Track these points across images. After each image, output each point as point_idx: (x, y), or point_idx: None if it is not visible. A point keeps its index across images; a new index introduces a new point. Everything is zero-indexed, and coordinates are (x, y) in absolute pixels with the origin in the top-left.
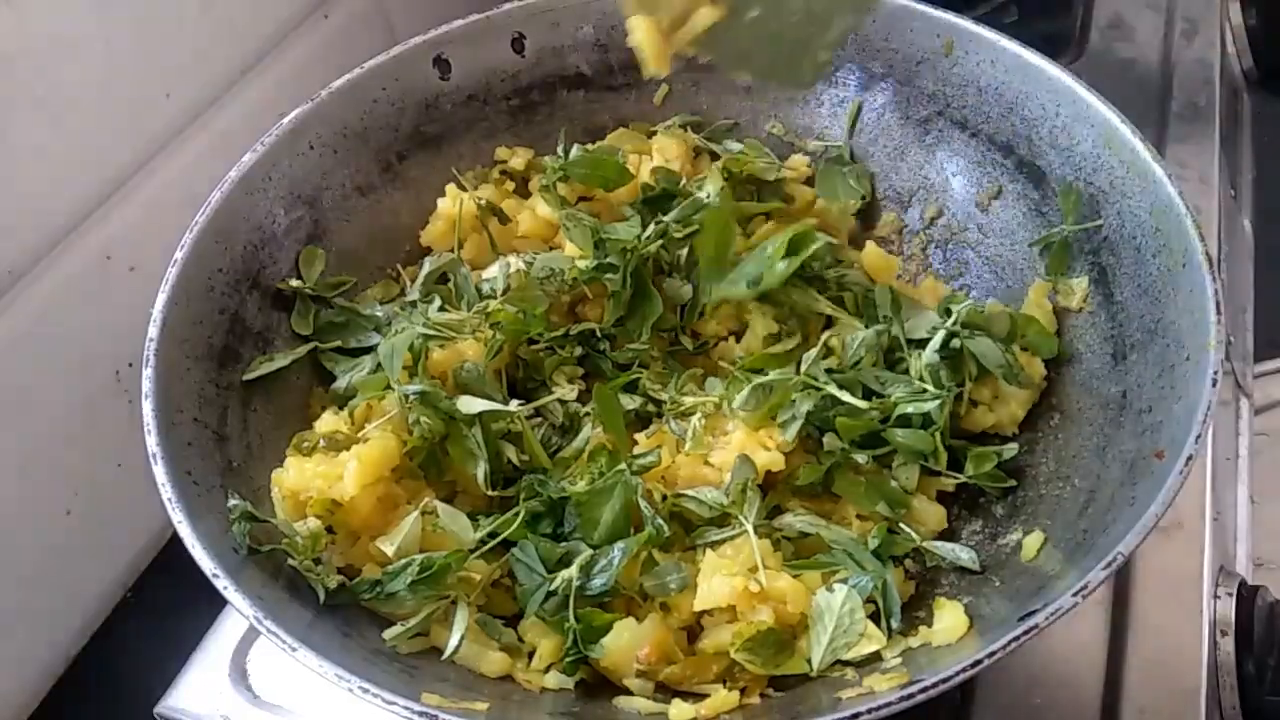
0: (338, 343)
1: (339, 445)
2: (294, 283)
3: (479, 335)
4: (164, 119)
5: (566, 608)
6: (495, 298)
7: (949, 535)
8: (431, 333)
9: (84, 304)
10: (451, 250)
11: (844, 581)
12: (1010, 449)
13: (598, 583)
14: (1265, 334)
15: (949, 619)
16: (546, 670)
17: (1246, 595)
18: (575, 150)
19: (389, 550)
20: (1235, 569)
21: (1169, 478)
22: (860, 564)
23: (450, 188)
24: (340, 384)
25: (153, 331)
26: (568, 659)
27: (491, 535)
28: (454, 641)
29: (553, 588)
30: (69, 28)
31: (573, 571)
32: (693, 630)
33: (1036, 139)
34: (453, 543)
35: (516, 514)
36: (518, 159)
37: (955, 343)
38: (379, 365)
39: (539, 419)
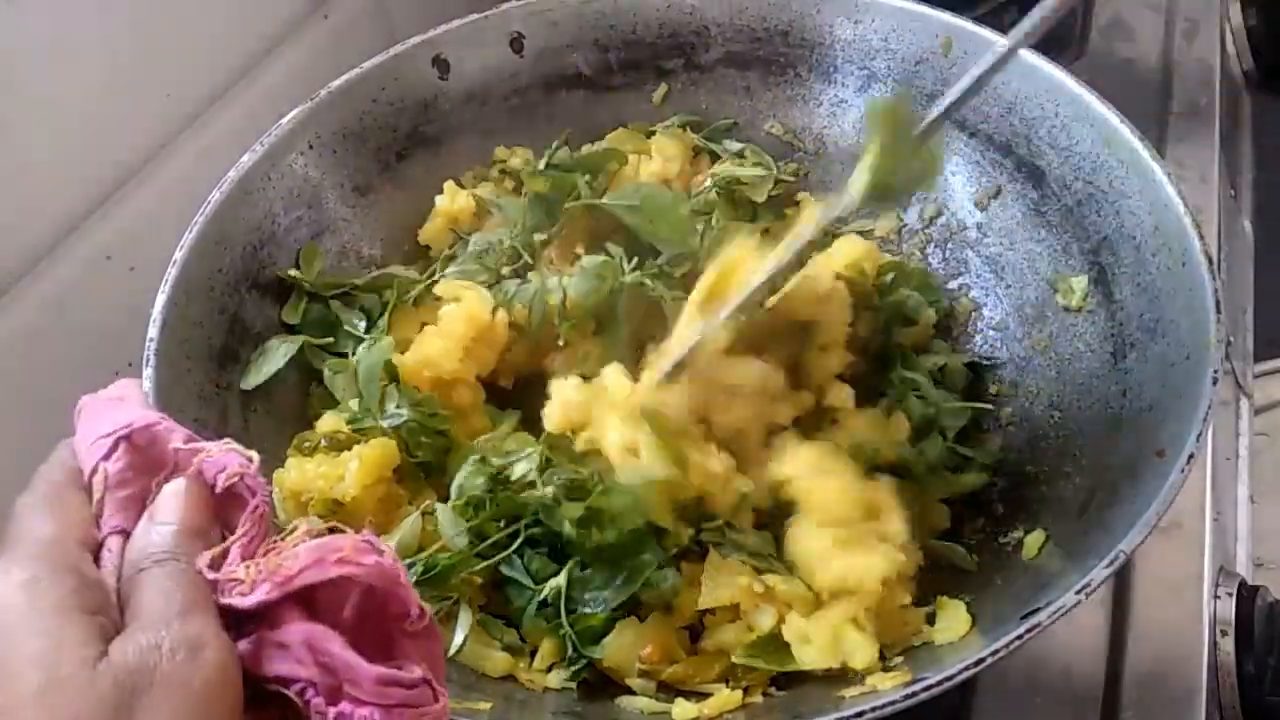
0: (328, 340)
1: (340, 445)
2: (293, 273)
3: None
4: (164, 119)
5: (561, 615)
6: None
7: (950, 534)
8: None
9: (84, 304)
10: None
11: None
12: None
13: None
14: (1265, 334)
15: (951, 618)
16: (549, 670)
17: (1246, 595)
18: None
19: None
20: (1235, 569)
21: (1170, 477)
22: None
23: (448, 185)
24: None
25: (152, 332)
26: (571, 666)
27: (482, 539)
28: (458, 642)
29: (543, 597)
30: (69, 28)
31: (561, 580)
32: (694, 629)
33: (1035, 139)
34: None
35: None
36: (516, 158)
37: None
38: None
39: None
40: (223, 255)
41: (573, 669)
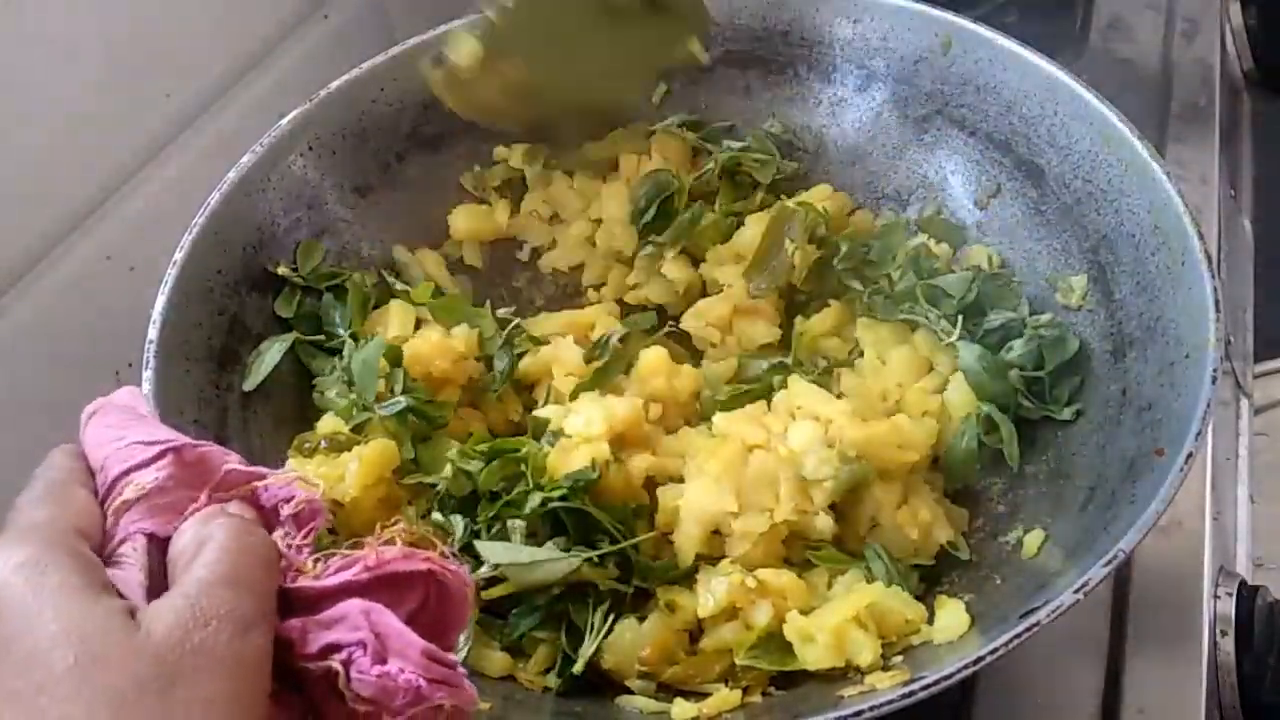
0: (320, 337)
1: (340, 446)
2: (282, 270)
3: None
4: (164, 119)
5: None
6: None
7: None
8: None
9: (84, 304)
10: None
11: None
12: None
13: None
14: (1265, 334)
15: (950, 616)
16: (546, 671)
17: (1246, 595)
18: None
19: None
20: (1235, 569)
21: (1169, 475)
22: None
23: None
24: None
25: (152, 334)
26: (565, 669)
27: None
28: (462, 653)
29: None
30: (69, 28)
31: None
32: (693, 630)
33: (1035, 137)
34: None
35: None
36: (516, 156)
37: None
38: (349, 383)
39: None
40: (222, 256)
41: (569, 670)
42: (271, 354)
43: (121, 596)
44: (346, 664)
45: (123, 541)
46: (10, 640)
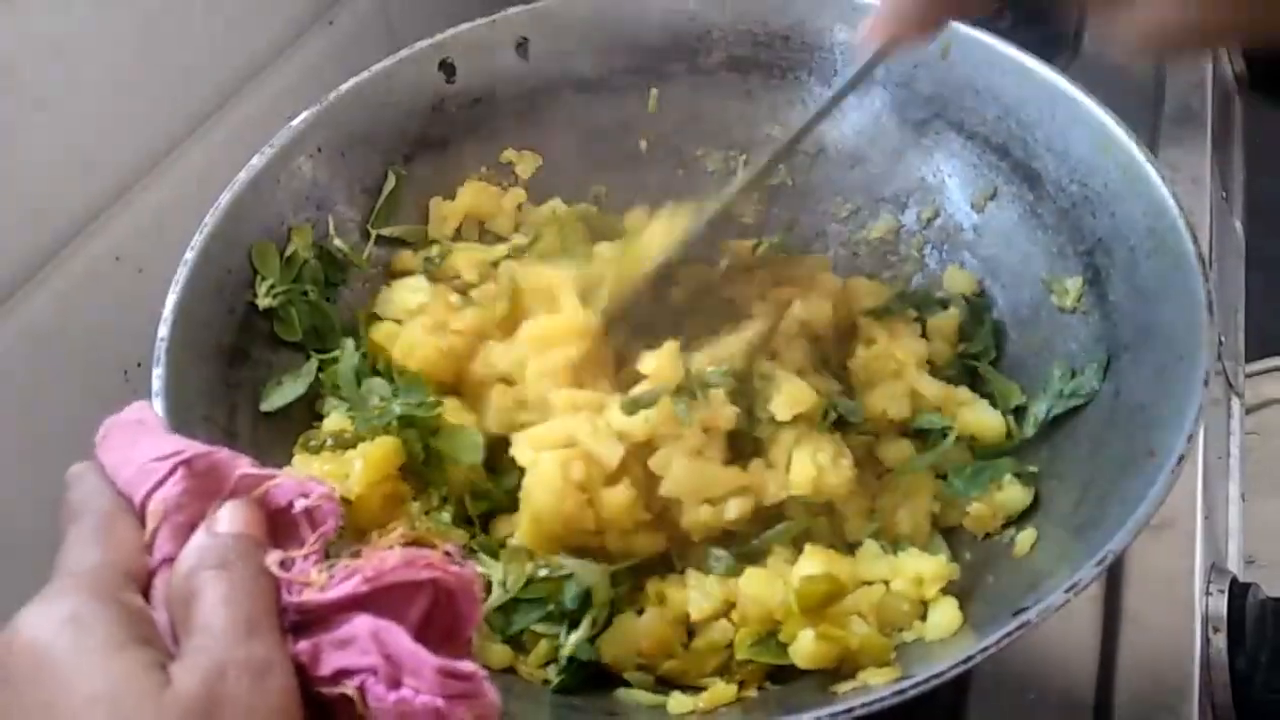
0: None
1: (346, 443)
2: (264, 301)
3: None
4: (171, 122)
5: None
6: None
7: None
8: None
9: (93, 305)
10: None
11: None
12: None
13: None
14: (1256, 334)
15: (943, 614)
16: (546, 664)
17: (1238, 592)
18: None
19: None
20: (1227, 566)
21: (1160, 476)
22: None
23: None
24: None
25: (163, 331)
26: (562, 673)
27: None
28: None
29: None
30: (74, 31)
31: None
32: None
33: (1032, 141)
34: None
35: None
36: (524, 163)
37: None
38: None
39: None
40: (232, 256)
41: (568, 666)
42: (293, 388)
43: (160, 645)
44: (361, 689)
45: (155, 574)
46: (51, 704)
